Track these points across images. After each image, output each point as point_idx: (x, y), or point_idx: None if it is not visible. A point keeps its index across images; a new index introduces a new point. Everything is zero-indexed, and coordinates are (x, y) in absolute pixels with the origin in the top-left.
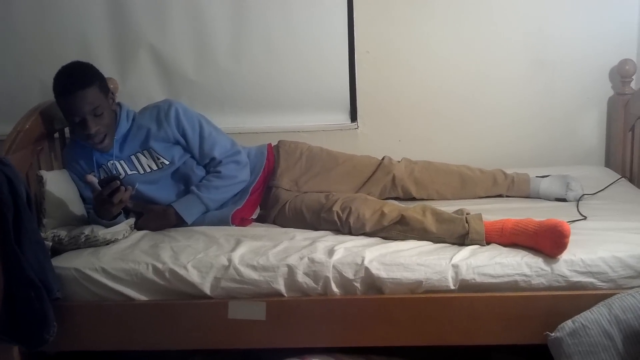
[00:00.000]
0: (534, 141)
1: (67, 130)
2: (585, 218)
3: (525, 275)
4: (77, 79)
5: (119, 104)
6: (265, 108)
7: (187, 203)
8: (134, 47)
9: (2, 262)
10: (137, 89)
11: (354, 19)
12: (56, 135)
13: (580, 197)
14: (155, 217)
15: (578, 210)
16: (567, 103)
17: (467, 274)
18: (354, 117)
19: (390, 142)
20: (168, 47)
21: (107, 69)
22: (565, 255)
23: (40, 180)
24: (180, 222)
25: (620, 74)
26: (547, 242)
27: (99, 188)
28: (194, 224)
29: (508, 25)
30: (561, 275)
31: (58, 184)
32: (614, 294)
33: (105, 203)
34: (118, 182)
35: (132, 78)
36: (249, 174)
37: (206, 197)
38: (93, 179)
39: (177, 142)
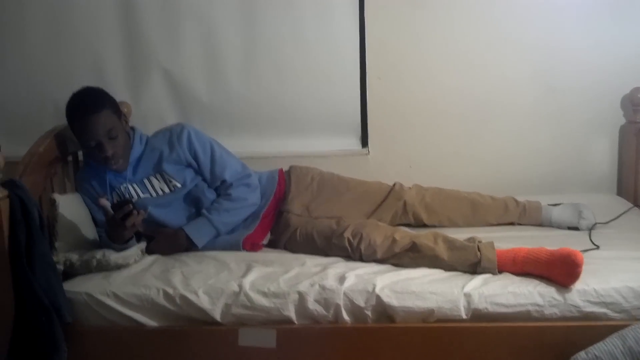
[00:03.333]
0: (545, 168)
1: (80, 153)
2: (598, 247)
3: (538, 305)
4: (90, 104)
5: (132, 128)
6: (276, 132)
7: (198, 226)
8: (147, 70)
9: (13, 285)
10: (150, 112)
11: (366, 45)
12: (69, 158)
13: (593, 226)
14: (166, 240)
15: (590, 239)
16: (578, 130)
17: (480, 303)
18: (364, 142)
19: (400, 167)
20: (181, 71)
21: (120, 92)
22: (578, 285)
23: (53, 204)
24: (191, 246)
25: (632, 102)
26: (560, 271)
27: (112, 212)
28: (205, 248)
29: (520, 52)
30: (574, 306)
31: (71, 208)
32: (628, 324)
33: (118, 227)
34: (131, 205)
35: (145, 101)
36: (259, 197)
37: (217, 220)
38: (106, 202)
39: (189, 165)
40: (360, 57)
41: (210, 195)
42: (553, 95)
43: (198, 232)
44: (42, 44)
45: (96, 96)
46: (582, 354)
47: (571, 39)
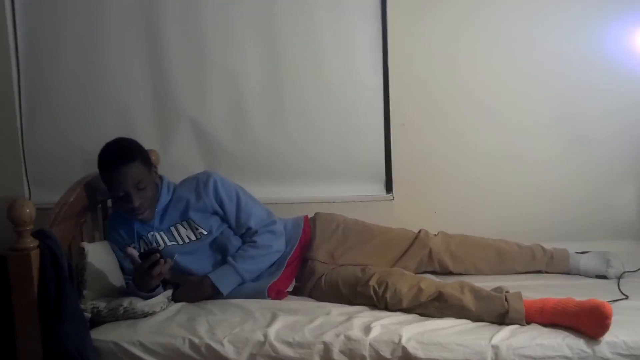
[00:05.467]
0: (571, 215)
1: (109, 201)
2: (627, 297)
3: (567, 358)
4: (121, 155)
5: (160, 177)
6: (301, 179)
7: (223, 274)
8: (175, 120)
9: (42, 334)
10: (177, 160)
11: (390, 92)
12: (99, 206)
13: (621, 275)
14: (192, 288)
15: (619, 288)
16: (604, 176)
17: (507, 356)
18: (389, 188)
19: (425, 213)
20: (207, 120)
21: (149, 141)
22: (607, 337)
23: (82, 252)
24: (216, 294)
25: None
26: (589, 323)
27: (139, 261)
28: (230, 295)
29: (544, 99)
30: (603, 358)
31: (99, 256)
32: None
33: (145, 275)
34: (158, 255)
35: (173, 149)
36: (284, 244)
37: (242, 268)
38: (133, 251)
39: (215, 212)
40: (385, 104)
41: (236, 242)
42: (577, 142)
43: (223, 280)
44: (73, 95)
45: (128, 147)
46: None
47: (594, 86)
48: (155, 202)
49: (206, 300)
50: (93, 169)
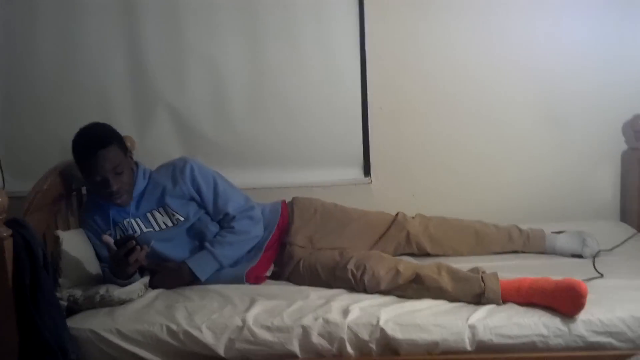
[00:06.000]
0: (549, 196)
1: (83, 188)
2: (602, 275)
3: (543, 336)
4: (97, 140)
5: (135, 163)
6: (279, 164)
7: (201, 260)
8: (152, 105)
9: (18, 325)
10: (154, 146)
11: (367, 76)
12: (73, 194)
13: (597, 254)
14: (169, 274)
15: (594, 267)
16: (580, 157)
17: (484, 335)
18: (367, 171)
19: (403, 196)
20: (186, 106)
21: (126, 127)
22: (582, 315)
23: (56, 240)
24: (194, 280)
25: (634, 129)
26: (565, 302)
27: (115, 248)
28: (208, 281)
29: (522, 82)
30: (579, 336)
31: (74, 244)
32: (633, 354)
33: (121, 263)
34: (134, 242)
35: (150, 136)
36: (262, 230)
37: (219, 254)
38: (109, 239)
39: (192, 199)
40: (362, 88)
41: (214, 228)
42: (555, 124)
43: (201, 266)
44: (48, 80)
45: (103, 132)
46: None
47: (572, 66)
48: (132, 187)
49: (184, 286)
50: (70, 156)
